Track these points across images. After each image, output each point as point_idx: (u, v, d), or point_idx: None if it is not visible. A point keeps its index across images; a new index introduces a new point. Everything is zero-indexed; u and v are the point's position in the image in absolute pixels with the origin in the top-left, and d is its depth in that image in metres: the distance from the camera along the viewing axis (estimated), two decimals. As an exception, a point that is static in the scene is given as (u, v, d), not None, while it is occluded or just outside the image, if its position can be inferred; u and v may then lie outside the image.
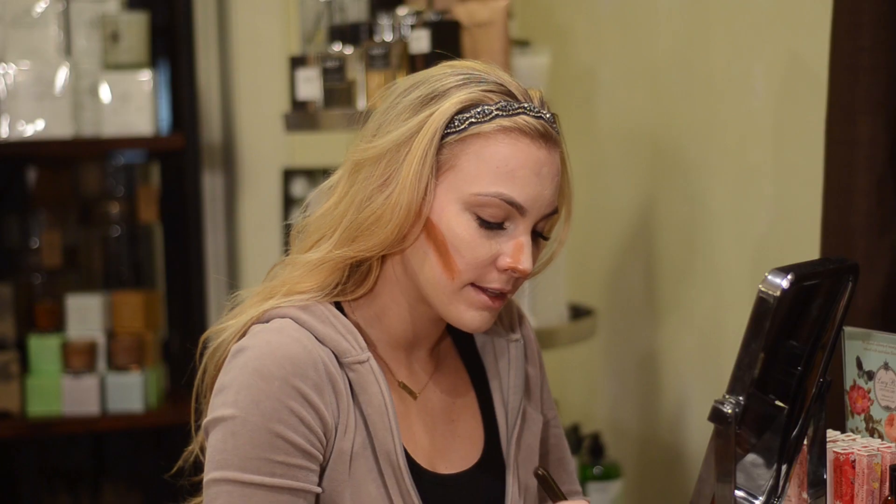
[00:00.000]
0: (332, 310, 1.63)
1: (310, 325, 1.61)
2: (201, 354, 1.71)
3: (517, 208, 1.59)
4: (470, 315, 1.61)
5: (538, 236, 1.64)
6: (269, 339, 1.58)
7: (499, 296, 1.62)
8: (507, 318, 1.79)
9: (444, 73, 1.64)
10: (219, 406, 1.58)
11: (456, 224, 1.59)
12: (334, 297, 1.65)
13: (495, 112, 1.59)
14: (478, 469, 1.71)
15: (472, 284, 1.60)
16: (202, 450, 1.69)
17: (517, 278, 1.62)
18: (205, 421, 1.62)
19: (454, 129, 1.59)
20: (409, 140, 1.59)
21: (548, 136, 1.61)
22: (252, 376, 1.56)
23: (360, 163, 1.63)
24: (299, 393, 1.56)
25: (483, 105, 1.59)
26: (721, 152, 2.66)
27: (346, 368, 1.60)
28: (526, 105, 1.61)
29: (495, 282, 1.60)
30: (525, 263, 1.59)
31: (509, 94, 1.61)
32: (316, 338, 1.60)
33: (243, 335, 1.63)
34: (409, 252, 1.62)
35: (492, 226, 1.59)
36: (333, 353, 1.60)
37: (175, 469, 1.78)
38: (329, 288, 1.64)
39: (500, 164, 1.58)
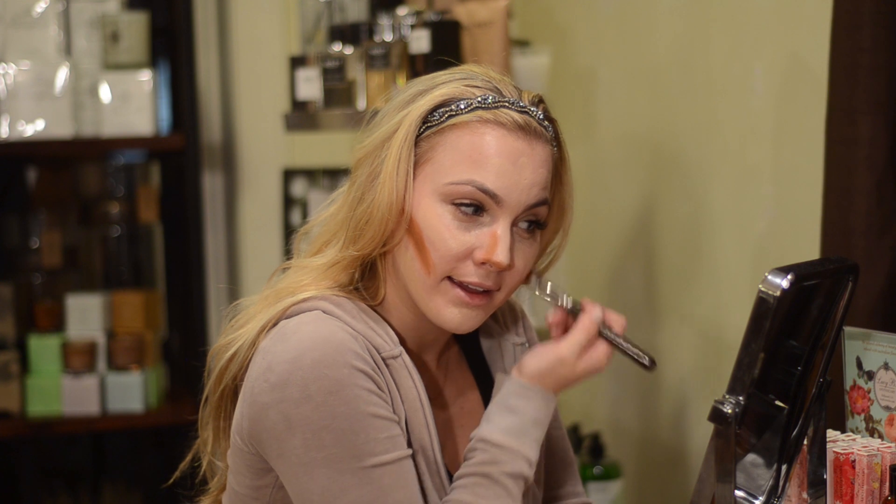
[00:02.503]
0: (359, 304, 1.61)
1: (343, 319, 1.57)
2: (210, 370, 1.67)
3: (491, 197, 1.55)
4: (449, 312, 1.58)
5: (535, 226, 1.60)
6: (317, 327, 1.55)
7: (480, 293, 1.58)
8: (511, 321, 1.77)
9: (443, 72, 1.63)
10: (279, 403, 1.52)
11: (431, 216, 1.56)
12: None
13: (475, 105, 1.57)
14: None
15: (450, 279, 1.57)
16: (210, 451, 1.69)
17: (498, 273, 1.58)
18: (256, 424, 1.55)
19: (433, 123, 1.57)
20: (390, 136, 1.58)
21: (529, 128, 1.57)
22: (316, 368, 1.51)
23: (356, 163, 1.62)
24: (365, 374, 1.53)
25: (464, 99, 1.57)
26: (721, 152, 2.66)
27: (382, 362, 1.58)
28: (511, 100, 1.58)
29: (472, 275, 1.56)
30: (500, 256, 1.55)
31: (496, 90, 1.59)
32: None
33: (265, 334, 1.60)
34: (397, 251, 1.60)
35: (468, 217, 1.56)
36: (371, 345, 1.58)
37: (178, 472, 1.76)
38: (340, 289, 1.62)
39: (472, 152, 1.56)
